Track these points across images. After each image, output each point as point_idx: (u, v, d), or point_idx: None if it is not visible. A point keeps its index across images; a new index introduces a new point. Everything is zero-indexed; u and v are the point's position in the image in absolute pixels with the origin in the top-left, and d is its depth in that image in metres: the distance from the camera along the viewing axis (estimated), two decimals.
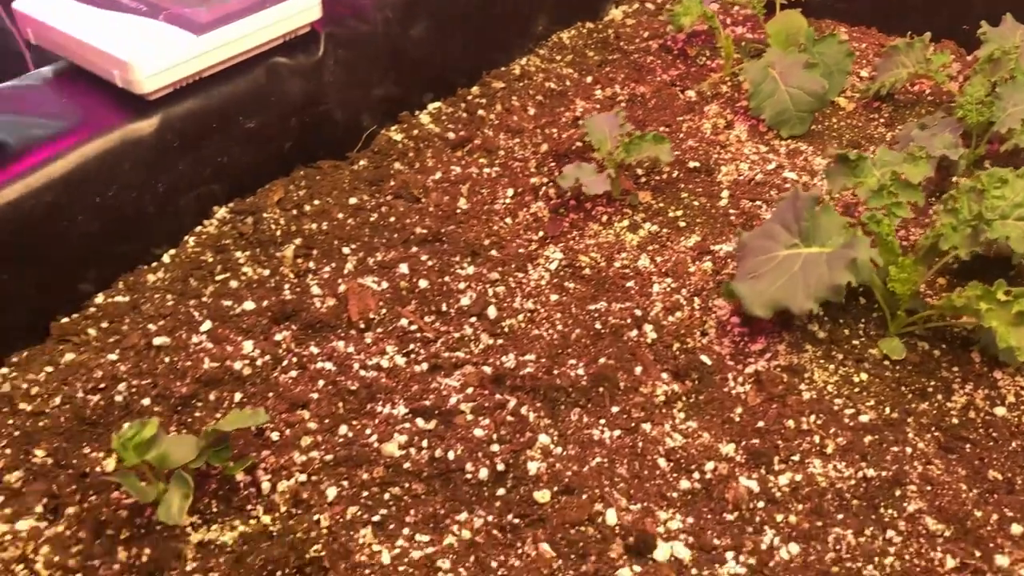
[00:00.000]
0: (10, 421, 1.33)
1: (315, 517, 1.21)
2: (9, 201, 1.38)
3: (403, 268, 1.59)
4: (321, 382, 1.39)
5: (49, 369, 1.40)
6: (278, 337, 1.46)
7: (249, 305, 1.50)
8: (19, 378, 1.38)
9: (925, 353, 1.43)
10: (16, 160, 1.41)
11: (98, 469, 1.28)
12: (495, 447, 1.28)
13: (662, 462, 1.28)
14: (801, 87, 1.90)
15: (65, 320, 1.47)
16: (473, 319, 1.50)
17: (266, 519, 1.22)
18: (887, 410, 1.34)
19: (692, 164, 1.82)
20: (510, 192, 1.78)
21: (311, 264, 1.60)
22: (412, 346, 1.46)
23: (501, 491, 1.24)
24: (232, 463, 1.22)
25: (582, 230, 1.69)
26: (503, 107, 2.01)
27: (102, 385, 1.37)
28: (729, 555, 1.16)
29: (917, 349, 1.43)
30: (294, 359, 1.43)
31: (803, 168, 1.82)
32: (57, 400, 1.35)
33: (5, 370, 1.40)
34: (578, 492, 1.23)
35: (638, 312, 1.49)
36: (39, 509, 1.23)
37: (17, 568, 1.17)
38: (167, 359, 1.41)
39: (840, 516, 1.20)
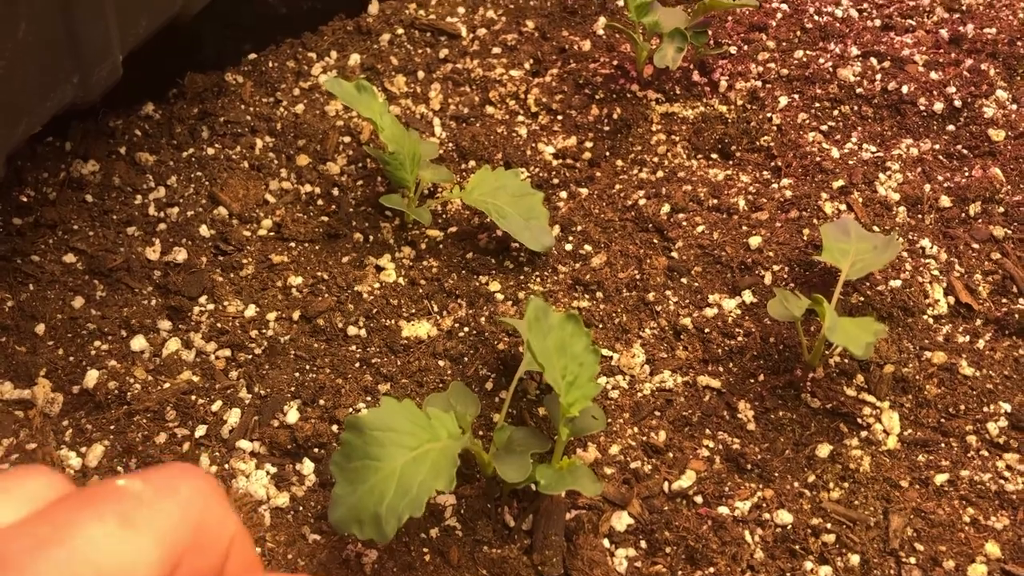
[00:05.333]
0: None
1: (768, 115, 1.32)
2: None
3: None
4: (778, 15, 1.47)
5: None
6: None
7: None
8: None
9: None
10: None
11: (575, 47, 1.45)
12: (951, 89, 1.32)
13: None
14: None
15: None
16: None
17: (722, 108, 1.35)
18: None
19: None
20: None
21: None
22: (865, 5, 1.50)
23: (951, 127, 1.29)
24: (707, 47, 1.35)
25: None
26: None
27: None
28: None
29: None
30: None
31: None
32: None
33: None
34: None
35: None
36: (527, 65, 1.43)
37: (511, 102, 1.38)
38: None
39: None
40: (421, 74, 1.41)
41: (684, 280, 1.13)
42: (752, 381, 1.03)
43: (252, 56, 1.43)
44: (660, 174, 1.27)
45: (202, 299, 1.12)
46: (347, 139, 1.32)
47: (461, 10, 1.51)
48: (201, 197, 1.23)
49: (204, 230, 1.19)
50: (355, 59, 1.42)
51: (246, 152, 1.29)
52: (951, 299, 1.09)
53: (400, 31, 1.47)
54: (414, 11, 1.50)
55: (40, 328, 1.09)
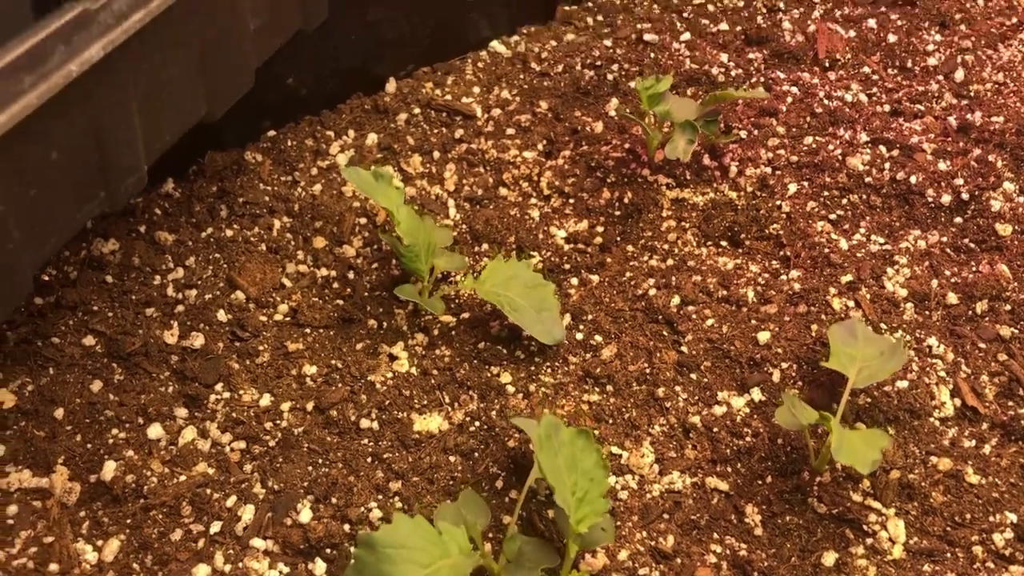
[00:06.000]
0: (522, 76, 1.56)
1: (777, 202, 1.34)
2: None
3: (871, 23, 1.63)
4: (789, 99, 1.49)
5: (553, 43, 1.61)
6: (750, 56, 1.57)
7: (724, 26, 1.63)
8: (530, 44, 1.60)
9: None
10: None
11: (588, 128, 1.48)
12: (959, 180, 1.34)
13: None
14: None
15: (568, 8, 1.67)
16: (940, 78, 1.53)
17: (731, 194, 1.37)
18: None
19: None
20: None
21: (781, 4, 1.68)
22: (874, 90, 1.52)
23: (959, 219, 1.31)
24: (717, 134, 1.37)
25: None
26: None
27: (598, 63, 1.56)
28: None
29: None
30: (762, 78, 1.54)
31: None
32: (559, 68, 1.56)
33: (516, 37, 1.63)
34: None
35: None
36: (540, 146, 1.46)
37: (523, 184, 1.41)
38: (652, 54, 1.57)
39: None
40: (437, 154, 1.44)
41: (693, 376, 1.15)
42: (760, 483, 1.04)
43: (271, 133, 1.46)
44: (670, 262, 1.28)
45: (218, 386, 1.14)
46: (363, 220, 1.34)
47: (476, 90, 1.54)
48: (219, 280, 1.25)
49: (221, 315, 1.21)
50: (372, 138, 1.45)
51: (264, 233, 1.31)
52: (957, 401, 1.10)
53: (417, 110, 1.49)
54: (430, 90, 1.53)
55: (59, 413, 1.11)
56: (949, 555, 0.98)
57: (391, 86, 1.53)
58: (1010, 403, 1.10)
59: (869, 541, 0.99)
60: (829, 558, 0.98)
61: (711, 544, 1.00)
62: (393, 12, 1.48)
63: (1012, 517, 1.00)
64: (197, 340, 1.18)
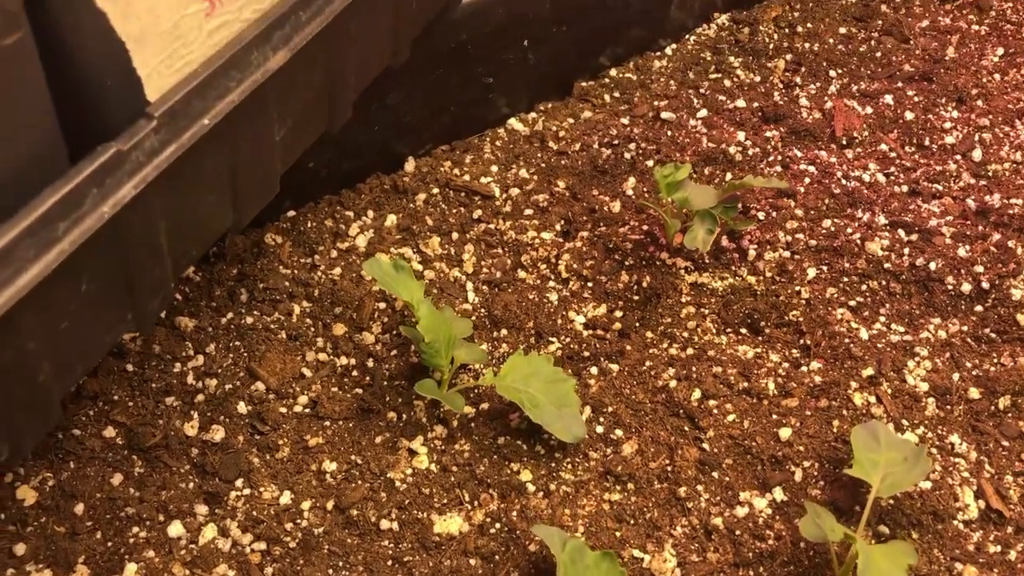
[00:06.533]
0: (539, 154, 1.56)
1: (796, 288, 1.34)
2: None
3: (888, 99, 1.64)
4: (806, 180, 1.50)
5: (571, 121, 1.62)
6: (767, 134, 1.58)
7: (741, 103, 1.63)
8: (548, 121, 1.61)
9: None
10: None
11: (605, 208, 1.48)
12: (979, 268, 1.33)
13: None
14: None
15: (585, 84, 1.68)
16: (958, 157, 1.53)
17: (751, 279, 1.37)
18: None
19: None
20: (1000, 51, 1.75)
21: (798, 79, 1.69)
22: (892, 169, 1.52)
23: (979, 308, 1.30)
24: (735, 220, 1.38)
25: None
26: None
27: (615, 142, 1.57)
28: None
29: None
30: (779, 156, 1.54)
31: None
32: (577, 146, 1.57)
33: (534, 114, 1.64)
34: None
35: None
36: (558, 227, 1.46)
37: (542, 266, 1.41)
38: (669, 132, 1.58)
39: None
40: (455, 235, 1.44)
41: (715, 474, 1.14)
42: None
43: (291, 213, 1.47)
44: (690, 351, 1.28)
45: (238, 482, 1.14)
46: (382, 305, 1.35)
47: (494, 168, 1.54)
48: (239, 369, 1.26)
49: (241, 406, 1.21)
50: (392, 219, 1.46)
51: (284, 319, 1.32)
52: (981, 503, 1.10)
53: (435, 190, 1.50)
54: (449, 169, 1.54)
55: (80, 508, 1.11)
56: None
57: (410, 165, 1.54)
58: None
59: None
60: None
61: None
62: (413, 92, 1.49)
63: None
64: (217, 433, 1.18)
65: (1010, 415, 1.18)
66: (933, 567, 1.04)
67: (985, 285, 1.31)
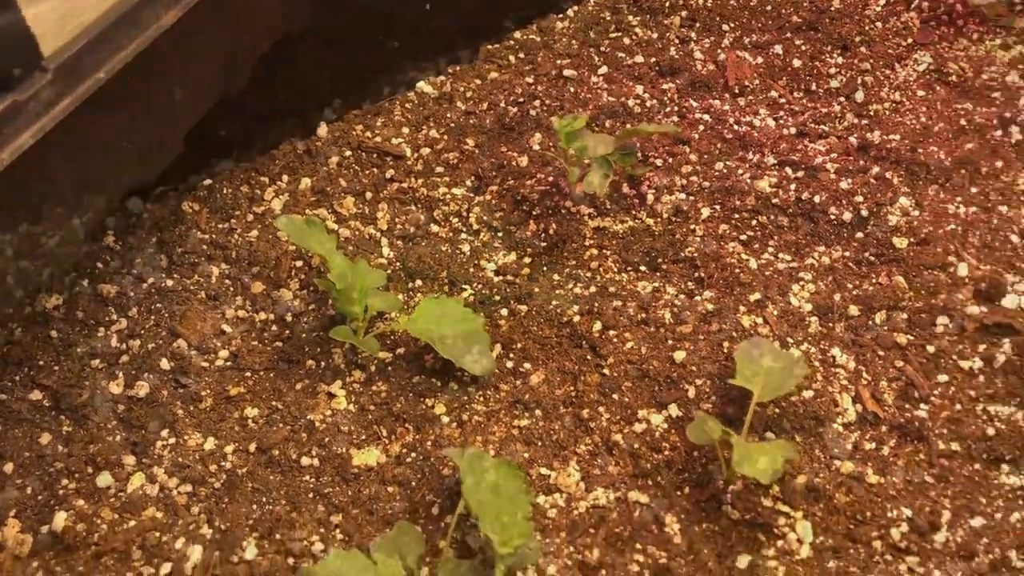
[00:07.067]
0: (448, 115, 1.63)
1: (691, 227, 1.43)
2: None
3: (777, 49, 1.73)
4: (701, 127, 1.58)
5: (478, 82, 1.68)
6: (664, 87, 1.66)
7: (639, 59, 1.71)
8: (456, 83, 1.68)
9: None
10: None
11: (513, 163, 1.55)
12: (859, 198, 1.43)
13: (1015, 238, 1.38)
14: None
15: (491, 47, 1.74)
16: (842, 99, 1.63)
17: (649, 221, 1.45)
18: None
19: None
20: (882, 1, 1.85)
21: (693, 34, 1.77)
22: (781, 113, 1.61)
23: (860, 234, 1.40)
24: (634, 167, 1.45)
25: (951, 43, 1.75)
26: None
27: (520, 99, 1.64)
28: None
29: None
30: (676, 107, 1.62)
31: None
32: (484, 106, 1.64)
33: (443, 77, 1.70)
34: (933, 245, 1.36)
35: (1006, 115, 1.56)
36: (469, 183, 1.53)
37: (454, 220, 1.48)
38: (572, 89, 1.65)
39: None
40: (369, 195, 1.50)
41: (615, 396, 1.22)
42: (678, 494, 1.12)
43: (207, 182, 1.51)
44: (593, 289, 1.36)
45: (164, 432, 1.19)
46: (299, 263, 1.40)
47: (405, 130, 1.60)
48: (161, 329, 1.30)
49: (164, 363, 1.26)
50: (306, 183, 1.51)
51: (203, 281, 1.36)
52: (859, 407, 1.19)
53: (348, 153, 1.56)
54: (361, 132, 1.59)
55: (9, 467, 1.16)
56: (852, 551, 1.06)
57: (322, 130, 1.59)
58: (907, 406, 1.19)
59: (779, 543, 1.07)
60: (743, 561, 1.05)
61: (634, 554, 1.07)
62: (322, 58, 1.55)
63: (907, 512, 1.09)
64: (142, 389, 1.23)
65: (885, 327, 1.27)
66: (814, 465, 1.13)
67: (864, 213, 1.41)
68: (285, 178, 1.52)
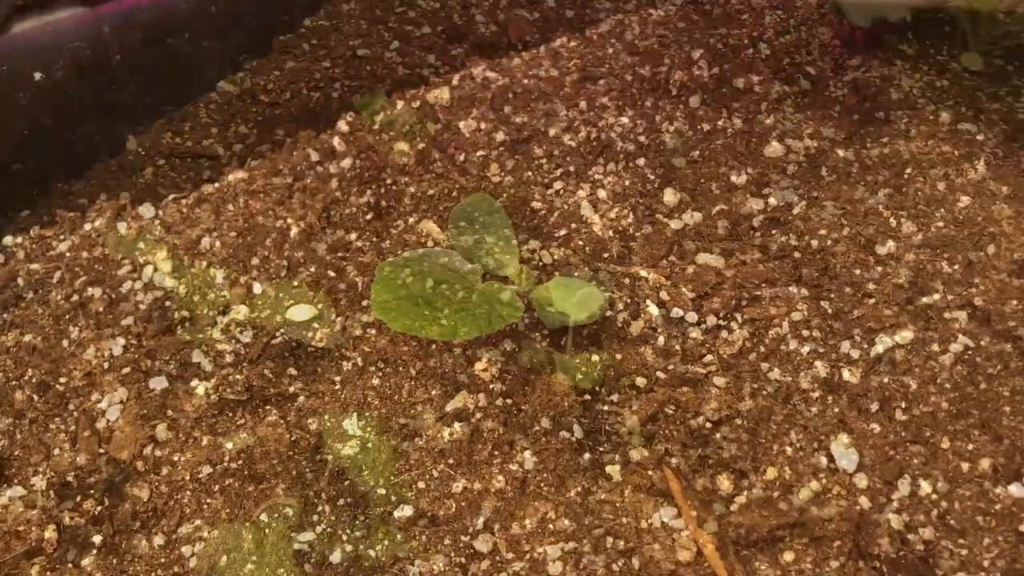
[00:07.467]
0: (254, 109, 1.69)
1: (498, 179, 1.56)
2: None
3: (551, 2, 1.87)
4: (493, 86, 1.71)
5: (277, 73, 1.74)
6: (454, 52, 1.77)
7: (427, 29, 1.82)
8: (255, 78, 1.73)
9: (1000, 67, 1.69)
10: None
11: (325, 146, 1.63)
12: (639, 129, 1.60)
13: (775, 144, 1.59)
14: None
15: (284, 38, 1.80)
16: (613, 41, 1.79)
17: (461, 180, 1.57)
18: (963, 109, 1.62)
19: None
20: None
21: (473, 0, 1.89)
22: (562, 62, 1.76)
23: (641, 160, 1.57)
24: (437, 132, 1.57)
25: None
26: None
27: (321, 84, 1.71)
28: (829, 203, 1.49)
29: (993, 64, 1.69)
30: (467, 70, 1.74)
31: None
32: (287, 95, 1.70)
33: (241, 74, 1.75)
34: (708, 160, 1.55)
35: (754, 34, 1.77)
36: (286, 171, 1.60)
37: (278, 209, 1.55)
38: (368, 67, 1.74)
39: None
40: (191, 199, 1.55)
41: (456, 350, 1.35)
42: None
43: (26, 213, 1.52)
44: (421, 251, 1.47)
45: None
46: (134, 275, 1.44)
47: (214, 130, 1.65)
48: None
49: (19, 395, 1.29)
50: (125, 196, 1.54)
51: (41, 310, 1.39)
52: (664, 310, 1.37)
53: (161, 162, 1.60)
54: (170, 139, 1.63)
55: None
56: None
57: (131, 144, 1.62)
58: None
59: None
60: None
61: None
62: (117, 73, 1.57)
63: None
64: None
65: (686, 243, 1.46)
66: (623, 366, 1.30)
67: (644, 140, 1.58)
68: (103, 196, 1.55)
